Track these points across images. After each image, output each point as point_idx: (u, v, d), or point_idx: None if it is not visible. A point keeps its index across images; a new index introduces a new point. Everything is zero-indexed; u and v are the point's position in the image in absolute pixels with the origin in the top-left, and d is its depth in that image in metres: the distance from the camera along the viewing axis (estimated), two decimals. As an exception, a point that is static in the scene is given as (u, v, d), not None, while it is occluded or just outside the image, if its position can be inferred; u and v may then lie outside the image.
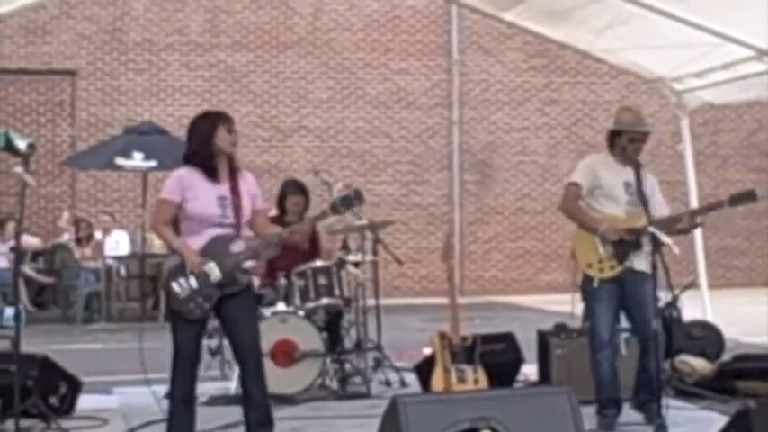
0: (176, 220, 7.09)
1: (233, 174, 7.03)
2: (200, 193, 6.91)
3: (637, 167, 8.02)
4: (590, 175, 8.07)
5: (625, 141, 8.05)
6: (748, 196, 7.89)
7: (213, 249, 6.92)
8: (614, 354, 8.10)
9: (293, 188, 10.35)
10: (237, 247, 6.98)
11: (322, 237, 10.39)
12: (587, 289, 8.07)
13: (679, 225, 7.93)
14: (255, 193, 7.15)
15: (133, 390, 10.04)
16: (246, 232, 7.13)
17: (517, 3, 11.42)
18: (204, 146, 6.96)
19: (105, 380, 10.53)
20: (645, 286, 7.79)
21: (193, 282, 6.87)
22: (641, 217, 7.86)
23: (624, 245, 7.89)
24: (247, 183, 7.11)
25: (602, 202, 8.06)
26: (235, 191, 6.97)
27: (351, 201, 7.24)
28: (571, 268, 8.19)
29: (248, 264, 7.09)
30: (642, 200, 7.92)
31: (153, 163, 16.99)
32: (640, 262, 7.90)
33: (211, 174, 6.95)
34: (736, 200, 7.90)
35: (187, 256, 6.88)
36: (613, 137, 8.14)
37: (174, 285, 6.90)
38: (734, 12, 9.83)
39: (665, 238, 7.53)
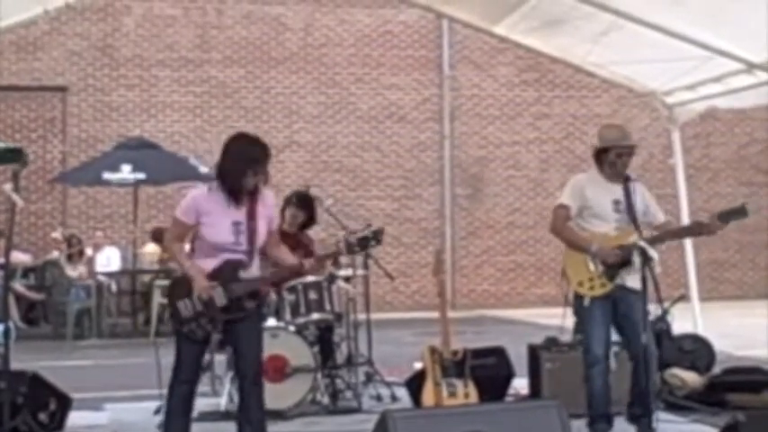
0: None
1: (253, 196, 6.87)
2: (215, 220, 6.79)
3: (626, 183, 8.02)
4: (578, 195, 8.06)
5: (613, 157, 8.02)
6: (738, 212, 7.80)
7: (223, 274, 6.85)
8: (607, 369, 8.06)
9: (296, 200, 10.30)
10: (248, 274, 6.90)
11: (315, 251, 10.39)
12: (579, 307, 8.05)
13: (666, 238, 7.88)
14: (272, 215, 7.06)
15: (124, 406, 10.04)
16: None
17: (508, 14, 11.44)
18: (232, 181, 6.78)
19: (96, 396, 10.50)
20: (636, 304, 7.78)
21: (198, 304, 6.83)
22: (631, 234, 7.86)
23: (615, 263, 7.88)
24: (266, 206, 6.94)
25: (591, 222, 8.03)
26: (251, 215, 6.84)
27: (368, 242, 7.12)
28: (563, 286, 8.17)
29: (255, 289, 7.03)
30: (632, 216, 7.92)
31: (141, 175, 16.99)
32: (632, 279, 7.87)
33: (232, 199, 6.83)
34: (725, 216, 7.84)
35: (196, 280, 6.82)
36: (600, 154, 8.13)
37: (180, 305, 6.87)
38: (724, 25, 9.88)
39: (653, 253, 7.53)
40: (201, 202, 6.82)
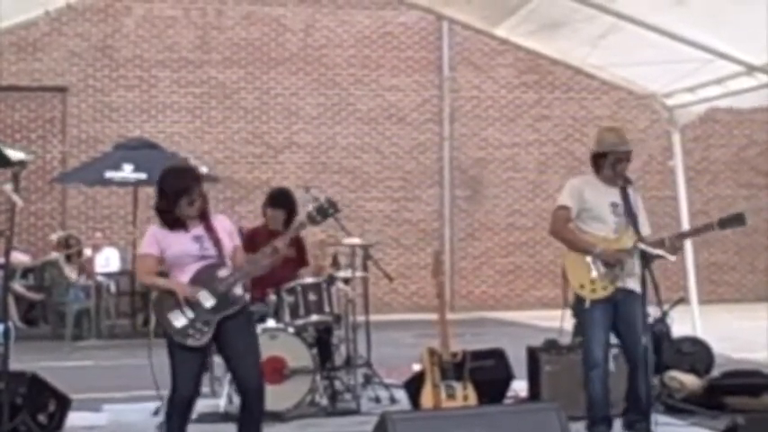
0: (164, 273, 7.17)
1: (203, 217, 7.08)
2: (174, 240, 6.99)
3: (624, 187, 8.02)
4: (577, 197, 8.07)
5: (610, 162, 8.05)
6: (737, 220, 7.82)
7: (201, 279, 6.95)
8: (606, 373, 8.05)
9: (272, 200, 10.26)
10: (224, 272, 6.99)
11: (306, 243, 10.38)
12: (580, 309, 8.04)
13: (661, 249, 7.86)
14: (231, 230, 7.21)
15: (122, 407, 10.04)
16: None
17: (508, 16, 11.43)
18: (167, 213, 7.03)
19: (95, 397, 10.50)
20: (637, 307, 7.77)
21: (189, 311, 6.88)
22: (630, 237, 7.85)
23: (617, 265, 7.88)
24: (220, 222, 7.17)
25: (590, 224, 8.04)
26: (209, 228, 7.05)
27: (326, 210, 7.30)
28: (563, 287, 8.17)
29: (239, 288, 7.09)
30: (631, 219, 7.92)
31: (142, 175, 16.95)
32: (634, 281, 7.87)
33: (181, 227, 7.02)
34: (725, 223, 7.84)
35: (178, 288, 6.91)
36: (597, 158, 8.14)
37: (171, 317, 6.90)
38: (724, 28, 9.86)
39: (656, 251, 7.54)
40: (158, 233, 7.06)
